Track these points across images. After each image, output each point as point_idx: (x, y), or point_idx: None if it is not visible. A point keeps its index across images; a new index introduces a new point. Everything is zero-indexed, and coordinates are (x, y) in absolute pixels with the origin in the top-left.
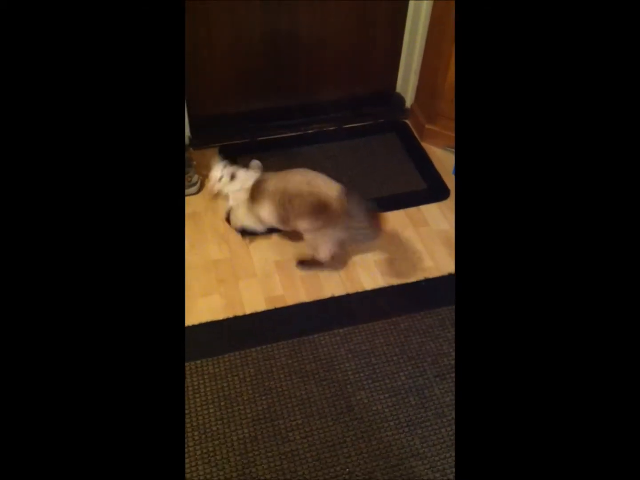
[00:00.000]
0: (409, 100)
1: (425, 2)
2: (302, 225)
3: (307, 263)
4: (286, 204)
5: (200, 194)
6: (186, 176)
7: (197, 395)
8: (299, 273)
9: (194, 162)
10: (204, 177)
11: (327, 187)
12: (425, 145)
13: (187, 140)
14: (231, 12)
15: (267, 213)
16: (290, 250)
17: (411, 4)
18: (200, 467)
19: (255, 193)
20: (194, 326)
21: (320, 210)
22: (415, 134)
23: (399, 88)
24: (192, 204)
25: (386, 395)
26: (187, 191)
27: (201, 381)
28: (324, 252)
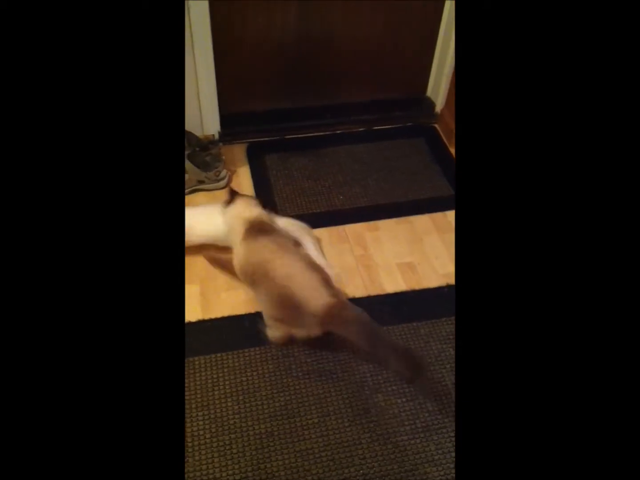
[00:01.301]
0: (439, 105)
1: None
2: (260, 302)
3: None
4: (256, 274)
5: (227, 189)
6: (215, 171)
7: (216, 388)
8: None
9: (223, 157)
10: (232, 172)
11: (312, 292)
12: (454, 151)
13: (217, 136)
14: (264, 12)
15: (237, 254)
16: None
17: (447, 4)
18: (216, 460)
19: (252, 229)
20: (216, 319)
21: (286, 307)
22: (444, 139)
23: (429, 92)
24: (220, 198)
25: (403, 399)
26: (215, 185)
27: (220, 374)
28: (273, 334)
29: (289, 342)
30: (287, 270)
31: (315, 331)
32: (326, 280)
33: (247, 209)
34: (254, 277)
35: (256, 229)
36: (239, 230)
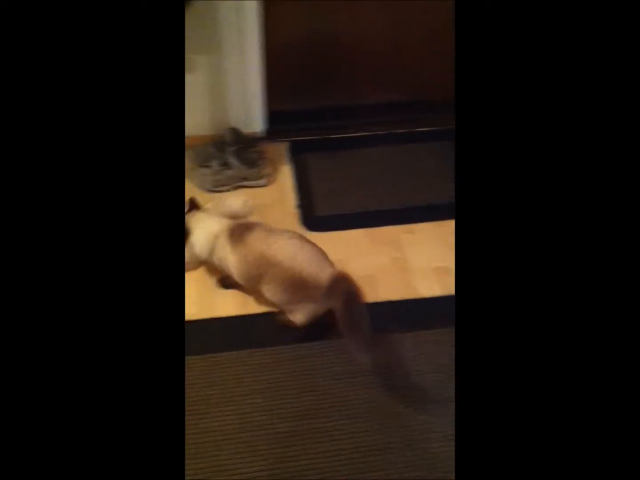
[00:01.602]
0: None
1: None
2: (270, 294)
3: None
4: (260, 268)
5: (268, 187)
6: (257, 169)
7: (244, 384)
8: (358, 273)
9: (266, 155)
10: (274, 171)
11: (316, 266)
12: None
13: (261, 133)
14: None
15: (232, 263)
16: (346, 250)
17: None
18: (243, 455)
19: (235, 234)
20: (247, 316)
21: (297, 287)
22: None
23: None
24: (260, 196)
25: (434, 405)
26: (256, 182)
27: (250, 371)
28: (298, 318)
29: (313, 320)
30: (286, 252)
31: (322, 305)
32: (322, 252)
33: (216, 222)
34: (260, 272)
35: (239, 230)
36: (223, 243)
